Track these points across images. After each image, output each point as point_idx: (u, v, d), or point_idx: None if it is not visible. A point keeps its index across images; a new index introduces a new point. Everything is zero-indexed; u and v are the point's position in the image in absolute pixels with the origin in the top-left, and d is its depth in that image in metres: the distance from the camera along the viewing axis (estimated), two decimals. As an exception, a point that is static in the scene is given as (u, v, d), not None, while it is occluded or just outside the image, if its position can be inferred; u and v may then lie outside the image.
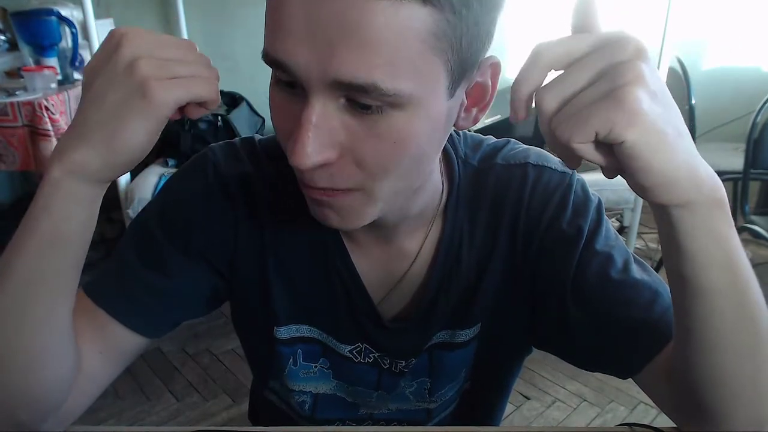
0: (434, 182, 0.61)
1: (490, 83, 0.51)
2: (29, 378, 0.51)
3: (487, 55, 0.49)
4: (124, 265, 0.61)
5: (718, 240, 0.44)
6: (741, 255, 0.46)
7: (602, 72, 0.38)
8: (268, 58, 0.45)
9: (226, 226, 0.63)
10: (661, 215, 0.44)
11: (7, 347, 0.50)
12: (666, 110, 0.39)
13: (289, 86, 0.46)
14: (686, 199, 0.41)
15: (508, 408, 1.81)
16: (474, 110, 0.52)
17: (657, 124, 0.37)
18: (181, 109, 0.47)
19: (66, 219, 0.48)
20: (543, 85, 0.40)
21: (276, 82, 0.47)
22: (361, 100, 0.43)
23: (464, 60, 0.46)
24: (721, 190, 0.43)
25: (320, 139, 0.44)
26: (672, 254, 0.45)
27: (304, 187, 0.51)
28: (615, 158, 0.40)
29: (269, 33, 0.44)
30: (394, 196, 0.52)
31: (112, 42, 0.45)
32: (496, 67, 0.50)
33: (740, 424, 0.51)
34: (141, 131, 0.45)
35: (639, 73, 0.37)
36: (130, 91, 0.44)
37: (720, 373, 0.49)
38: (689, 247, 0.44)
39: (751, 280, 0.47)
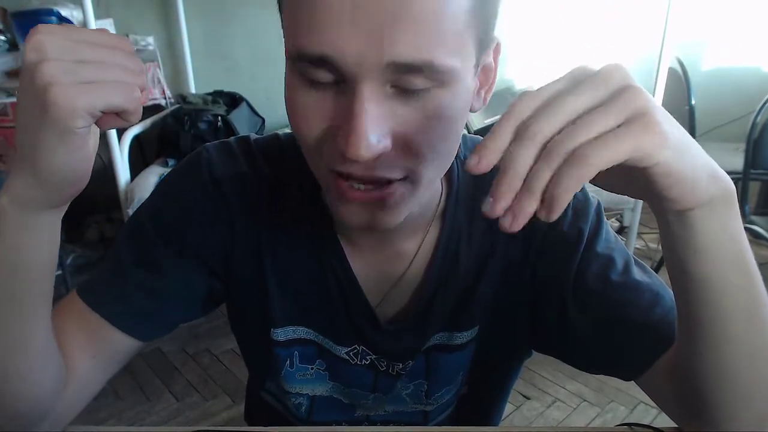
0: (435, 184, 0.61)
1: (493, 64, 0.52)
2: (9, 399, 0.51)
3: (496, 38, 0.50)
4: (117, 266, 0.60)
5: (732, 235, 0.44)
6: (750, 252, 0.46)
7: (603, 100, 0.36)
8: (305, 55, 0.43)
9: (221, 226, 0.62)
10: (676, 219, 0.42)
11: None
12: (669, 119, 0.38)
13: (319, 83, 0.44)
14: (709, 196, 0.41)
15: (508, 408, 1.82)
16: (482, 92, 0.53)
17: (677, 137, 0.37)
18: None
19: (19, 248, 0.46)
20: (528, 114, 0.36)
21: (303, 84, 0.45)
22: (411, 82, 0.43)
23: (486, 36, 0.47)
24: (731, 184, 0.43)
25: (377, 128, 0.43)
26: (682, 253, 0.44)
27: (344, 191, 0.48)
28: (626, 179, 0.39)
29: (305, 30, 0.42)
30: (432, 183, 0.52)
31: (27, 45, 0.40)
32: (498, 48, 0.51)
33: (744, 425, 0.51)
34: (58, 150, 0.41)
35: (645, 95, 0.36)
36: (33, 102, 0.39)
37: (728, 373, 0.49)
38: (704, 245, 0.43)
39: (759, 277, 0.47)
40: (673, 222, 0.43)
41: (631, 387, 0.68)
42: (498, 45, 0.51)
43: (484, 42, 0.47)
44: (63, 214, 0.48)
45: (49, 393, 0.54)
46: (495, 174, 0.63)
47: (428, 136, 0.46)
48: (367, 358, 0.68)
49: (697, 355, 0.49)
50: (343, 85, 0.44)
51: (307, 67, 0.44)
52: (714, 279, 0.45)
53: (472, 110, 0.53)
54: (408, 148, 0.46)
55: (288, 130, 0.69)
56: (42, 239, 0.47)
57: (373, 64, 0.41)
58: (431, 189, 0.54)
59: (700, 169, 0.40)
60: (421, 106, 0.45)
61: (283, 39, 0.47)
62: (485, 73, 0.52)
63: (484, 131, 2.27)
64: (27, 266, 0.47)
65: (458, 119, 0.48)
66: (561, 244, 0.61)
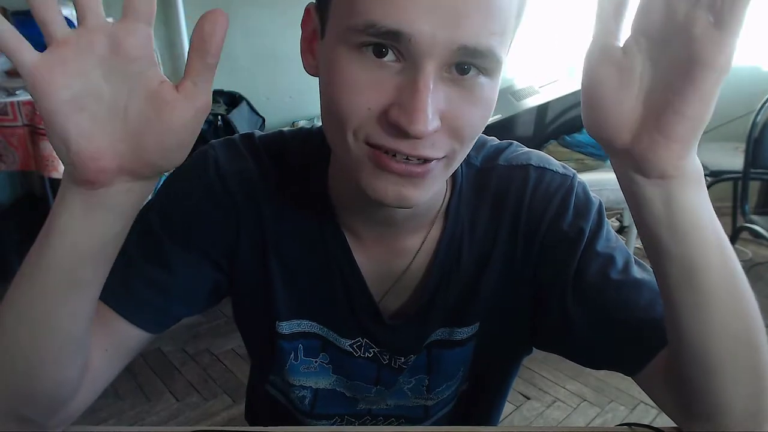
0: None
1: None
2: (40, 380, 0.51)
3: None
4: (126, 260, 0.60)
5: (710, 217, 0.46)
6: (725, 234, 0.48)
7: None
8: (377, 28, 0.44)
9: (227, 221, 0.64)
10: (660, 193, 0.44)
11: (23, 351, 0.50)
12: None
13: (377, 60, 0.46)
14: (690, 169, 0.44)
15: (508, 408, 1.82)
16: None
17: None
18: None
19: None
20: None
21: (359, 59, 0.46)
22: (469, 66, 0.46)
23: (514, 32, 0.50)
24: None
25: (434, 106, 0.46)
26: (665, 236, 0.46)
27: (387, 161, 0.49)
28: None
29: (378, 4, 0.44)
30: (457, 165, 0.54)
31: None
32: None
33: (740, 418, 0.51)
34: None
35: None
36: None
37: (714, 358, 0.49)
38: (685, 225, 0.45)
39: (737, 261, 0.48)
40: (656, 200, 0.45)
41: (632, 387, 0.68)
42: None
43: (512, 36, 0.50)
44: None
45: (73, 380, 0.54)
46: (496, 179, 0.65)
47: (470, 120, 0.49)
48: (370, 350, 0.69)
49: (682, 341, 0.50)
50: (405, 63, 0.46)
51: (373, 41, 0.45)
52: (696, 261, 0.46)
53: None
54: (452, 130, 0.49)
55: (288, 129, 0.70)
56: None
57: (444, 45, 0.44)
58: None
59: (696, 139, 0.43)
60: (468, 92, 0.48)
61: (327, 15, 0.49)
62: None
63: (483, 131, 2.26)
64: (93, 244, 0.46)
65: (493, 107, 0.51)
66: (562, 243, 0.62)
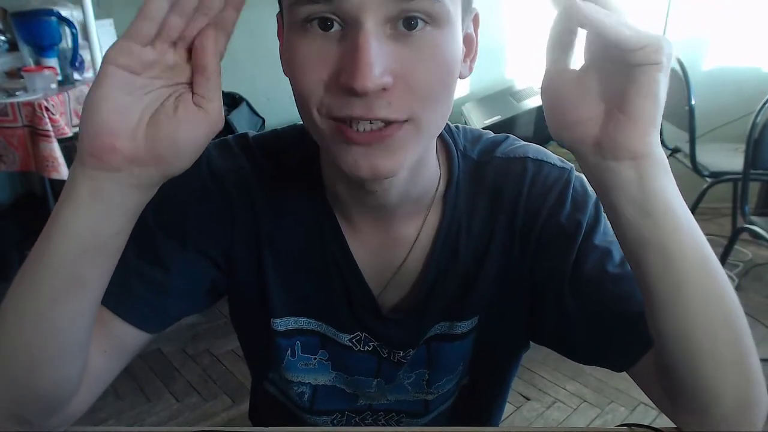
0: (432, 165, 0.62)
1: (475, 36, 0.56)
2: (39, 379, 0.51)
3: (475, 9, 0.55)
4: (123, 261, 0.61)
5: (681, 203, 0.48)
6: (695, 220, 0.49)
7: None
8: None
9: (222, 218, 0.64)
10: (632, 176, 0.46)
11: (23, 348, 0.50)
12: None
13: (319, 33, 0.47)
14: (656, 149, 0.46)
15: (508, 408, 1.82)
16: (468, 60, 0.56)
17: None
18: None
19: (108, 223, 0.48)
20: None
21: (304, 34, 0.48)
22: (411, 16, 0.46)
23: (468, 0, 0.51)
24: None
25: (380, 62, 0.46)
26: (640, 223, 0.47)
27: (349, 134, 0.50)
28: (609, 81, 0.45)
29: None
30: (433, 131, 0.55)
31: None
32: (477, 19, 0.56)
33: (731, 407, 0.52)
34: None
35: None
36: None
37: (695, 344, 0.50)
38: (658, 210, 0.46)
39: (708, 244, 0.49)
40: (631, 183, 0.46)
41: (632, 388, 0.68)
42: (477, 15, 0.55)
43: (466, 4, 0.51)
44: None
45: (73, 380, 0.54)
46: (493, 171, 0.65)
47: (426, 76, 0.49)
48: (370, 344, 0.69)
49: (663, 331, 0.51)
50: (346, 27, 0.47)
51: (312, 9, 0.46)
52: (671, 246, 0.47)
53: (460, 77, 0.54)
54: (408, 88, 0.48)
55: (282, 127, 0.70)
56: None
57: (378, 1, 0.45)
58: (432, 141, 0.57)
59: (658, 118, 0.45)
60: (418, 47, 0.48)
61: (282, 8, 0.52)
62: (468, 42, 0.55)
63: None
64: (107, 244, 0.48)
65: (453, 63, 0.51)
66: (559, 236, 0.62)
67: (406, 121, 0.50)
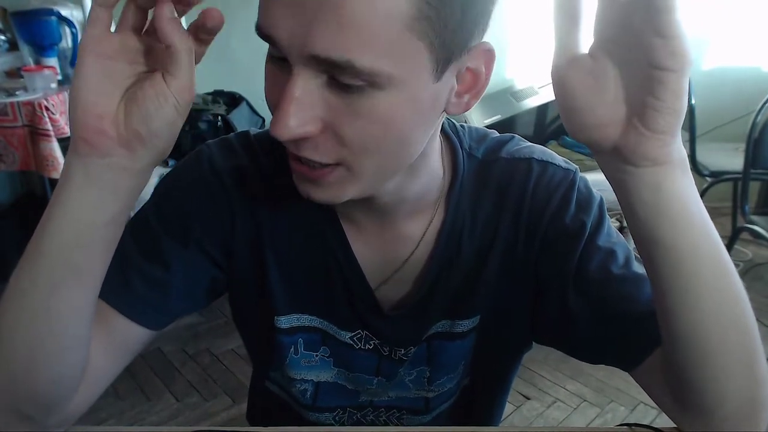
0: (432, 167, 0.61)
1: (483, 70, 0.51)
2: (39, 374, 0.51)
3: (483, 44, 0.50)
4: (124, 257, 0.61)
5: (696, 202, 0.47)
6: (710, 221, 0.48)
7: None
8: (259, 31, 0.46)
9: (223, 216, 0.64)
10: (648, 180, 0.45)
11: (23, 341, 0.50)
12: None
13: (280, 60, 0.47)
14: (676, 156, 0.44)
15: (508, 408, 1.82)
16: (466, 96, 0.52)
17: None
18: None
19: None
20: None
21: (270, 57, 0.49)
22: (340, 77, 0.44)
23: (450, 44, 0.46)
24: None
25: (301, 113, 0.45)
26: (653, 223, 0.46)
27: (291, 160, 0.52)
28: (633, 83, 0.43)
29: (261, 8, 0.46)
30: (379, 175, 0.53)
31: None
32: (489, 54, 0.51)
33: (735, 409, 0.52)
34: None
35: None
36: None
37: (703, 344, 0.49)
38: (673, 211, 0.46)
39: (724, 247, 0.49)
40: (646, 187, 0.45)
41: (632, 387, 0.68)
42: (488, 51, 0.50)
43: (452, 48, 0.47)
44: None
45: (74, 376, 0.54)
46: (498, 171, 0.64)
47: (360, 132, 0.47)
48: (371, 342, 0.69)
49: (674, 331, 0.50)
50: (287, 65, 0.46)
51: (266, 41, 0.47)
52: (684, 247, 0.47)
53: (449, 113, 0.54)
54: (337, 138, 0.48)
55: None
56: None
57: (299, 53, 0.44)
58: (386, 179, 0.55)
59: (679, 127, 0.43)
60: (353, 103, 0.46)
61: None
62: (470, 77, 0.51)
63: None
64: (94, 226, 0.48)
65: (401, 123, 0.48)
66: (563, 237, 0.62)
67: (338, 164, 0.49)
